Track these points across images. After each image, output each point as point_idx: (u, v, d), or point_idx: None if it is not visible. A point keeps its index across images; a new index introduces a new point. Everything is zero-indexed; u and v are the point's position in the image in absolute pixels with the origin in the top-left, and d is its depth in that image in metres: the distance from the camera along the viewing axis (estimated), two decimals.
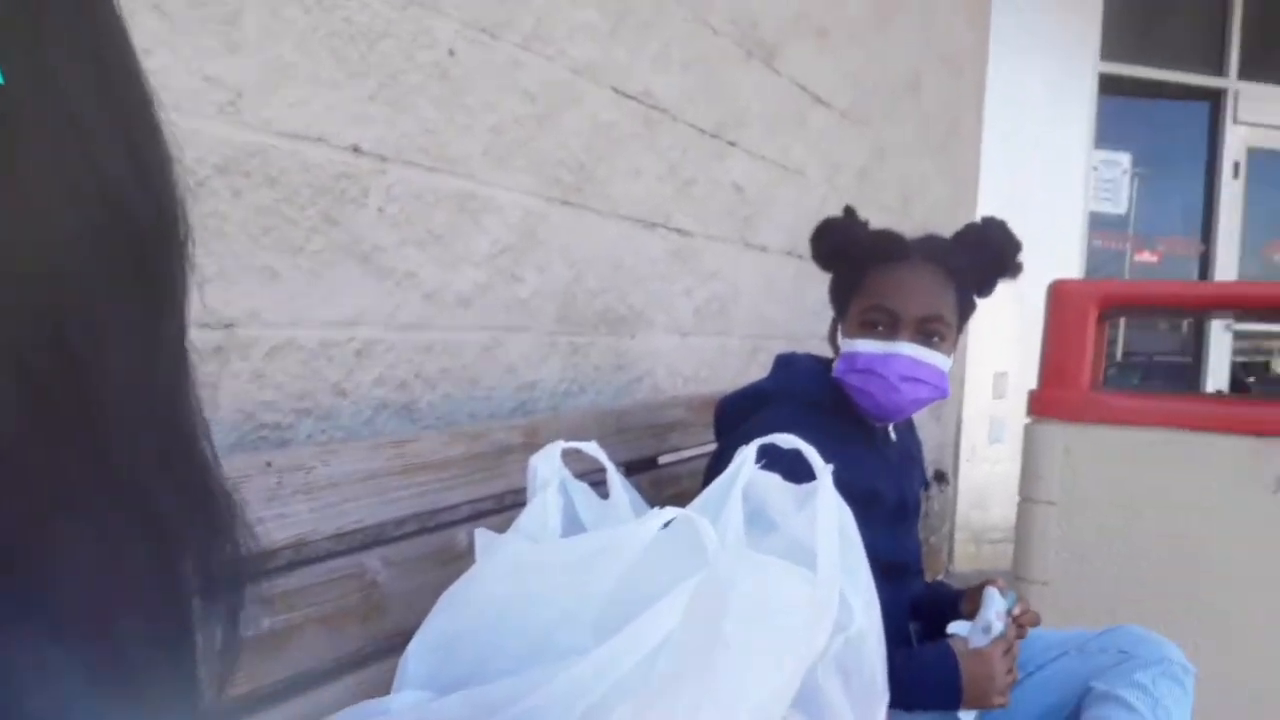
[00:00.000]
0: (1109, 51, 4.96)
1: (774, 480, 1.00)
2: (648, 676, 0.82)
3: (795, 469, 0.99)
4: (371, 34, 1.29)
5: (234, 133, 1.12)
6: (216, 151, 1.10)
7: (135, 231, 0.35)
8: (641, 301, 1.91)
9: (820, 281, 2.69)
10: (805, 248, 2.61)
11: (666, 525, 0.88)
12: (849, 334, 1.43)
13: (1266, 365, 5.96)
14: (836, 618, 0.85)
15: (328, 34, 1.23)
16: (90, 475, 0.33)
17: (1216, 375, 5.27)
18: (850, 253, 1.48)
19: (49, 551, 0.32)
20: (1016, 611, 1.39)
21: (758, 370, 2.36)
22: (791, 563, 0.87)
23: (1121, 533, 2.02)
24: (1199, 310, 3.46)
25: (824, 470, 0.92)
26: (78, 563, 0.32)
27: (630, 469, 1.45)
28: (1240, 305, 2.44)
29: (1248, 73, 5.42)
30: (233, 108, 1.12)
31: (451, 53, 1.43)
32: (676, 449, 1.61)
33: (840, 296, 1.50)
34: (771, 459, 1.00)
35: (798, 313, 2.54)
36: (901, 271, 1.41)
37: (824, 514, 0.88)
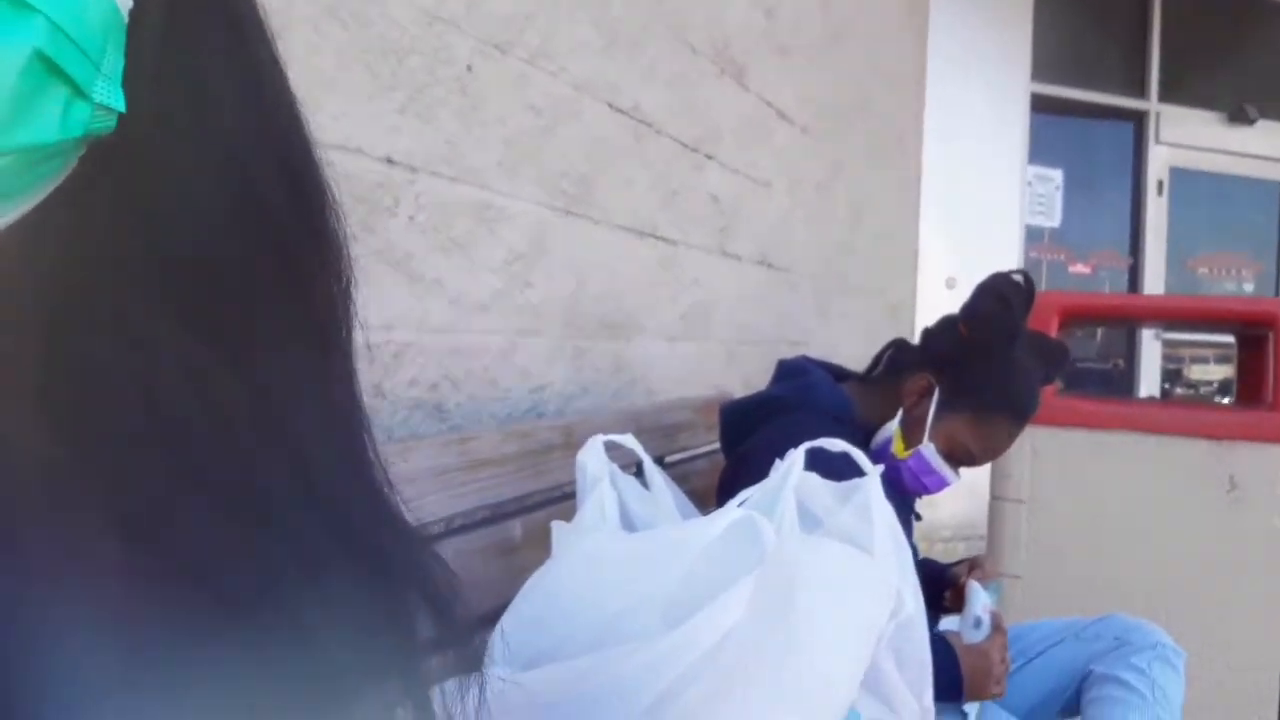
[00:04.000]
0: (1040, 73, 5.20)
1: (814, 479, 1.07)
2: (718, 661, 0.88)
3: (832, 472, 1.05)
4: (401, 49, 1.34)
5: None
6: None
7: (287, 251, 0.36)
8: (635, 308, 1.98)
9: (788, 289, 2.77)
10: (773, 256, 2.72)
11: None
12: (940, 443, 1.41)
13: (1178, 372, 6.28)
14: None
15: (363, 49, 1.27)
16: (288, 491, 0.34)
17: (1149, 381, 5.55)
18: (1021, 382, 1.42)
19: (248, 563, 0.33)
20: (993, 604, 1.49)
21: (735, 373, 2.44)
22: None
23: (1088, 529, 2.15)
24: (1153, 321, 3.66)
25: (874, 470, 0.99)
26: (276, 575, 0.33)
27: None
28: (1196, 318, 2.59)
29: (1167, 96, 5.73)
30: None
31: (469, 68, 1.48)
32: (684, 449, 1.68)
33: (967, 388, 1.41)
34: (808, 460, 1.06)
35: (769, 318, 2.63)
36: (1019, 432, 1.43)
37: (876, 504, 0.96)
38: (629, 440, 1.16)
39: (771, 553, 0.90)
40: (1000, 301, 1.38)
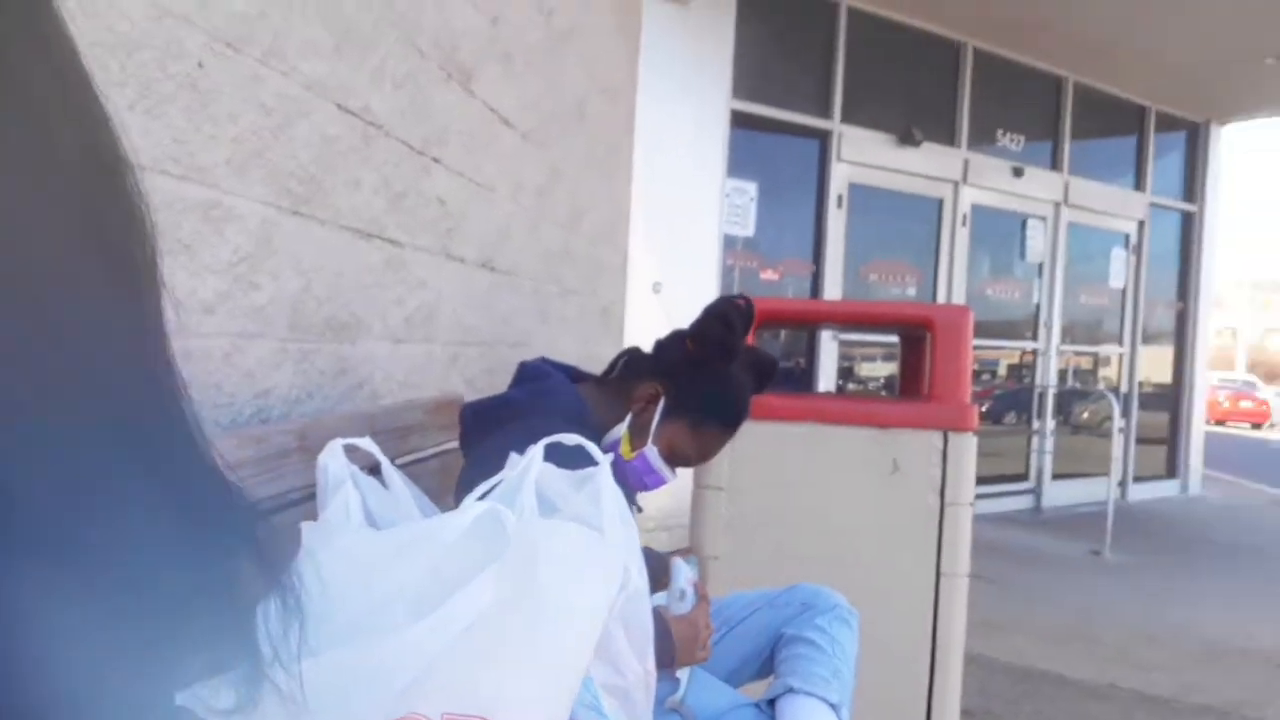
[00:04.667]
0: (739, 91, 5.62)
1: (551, 469, 1.17)
2: (469, 643, 0.96)
3: (567, 463, 1.16)
4: (130, 43, 1.30)
5: None
6: None
7: (98, 217, 0.37)
8: (361, 309, 1.99)
9: (510, 291, 2.86)
10: (497, 260, 2.80)
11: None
12: (662, 446, 1.54)
13: (851, 369, 7.02)
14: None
15: (91, 43, 1.23)
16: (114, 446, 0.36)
17: (827, 377, 6.15)
18: (735, 397, 1.57)
19: (83, 517, 0.34)
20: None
21: (457, 375, 2.50)
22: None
23: (777, 511, 2.42)
24: (833, 323, 4.09)
25: (604, 459, 1.11)
26: (112, 526, 0.35)
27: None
28: (869, 321, 2.94)
29: (848, 117, 6.38)
30: None
31: (200, 64, 1.45)
32: (416, 450, 1.72)
33: (689, 398, 1.54)
34: (547, 455, 1.16)
35: (492, 321, 2.71)
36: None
37: (605, 490, 1.08)
38: (366, 442, 1.21)
39: (514, 538, 0.99)
40: (724, 324, 1.55)
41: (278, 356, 1.71)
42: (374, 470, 1.27)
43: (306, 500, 1.22)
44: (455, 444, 1.73)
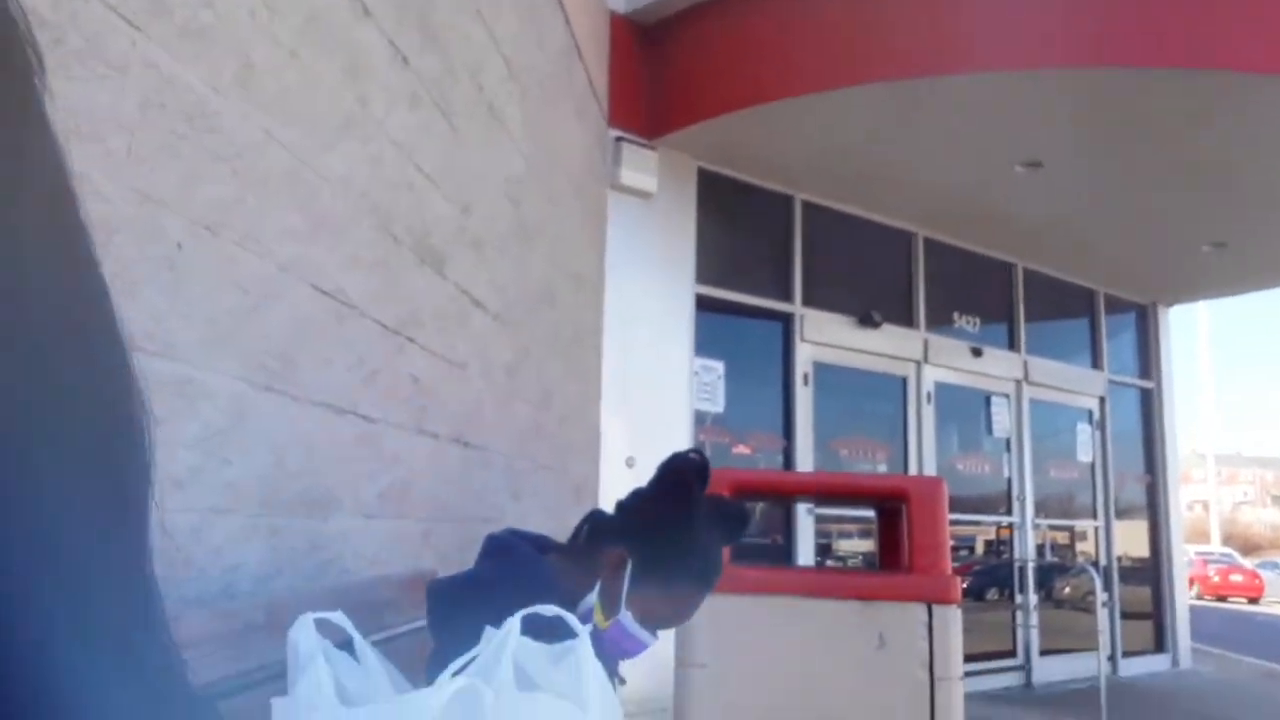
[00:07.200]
0: (703, 276, 5.83)
1: (528, 643, 1.14)
2: None
3: (544, 637, 1.13)
4: (109, 226, 1.35)
5: None
6: None
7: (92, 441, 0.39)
8: (333, 484, 1.99)
9: (482, 467, 2.86)
10: (470, 435, 2.81)
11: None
12: (636, 610, 1.48)
13: (828, 546, 6.95)
14: None
15: None
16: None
17: (805, 553, 6.08)
18: (703, 552, 1.52)
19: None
20: None
21: (430, 551, 2.47)
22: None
23: (763, 687, 2.34)
24: (808, 495, 4.08)
25: (584, 630, 1.09)
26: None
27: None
28: (845, 493, 2.95)
29: (809, 300, 6.59)
30: None
31: (179, 246, 1.51)
32: (388, 626, 1.68)
33: (656, 559, 1.50)
34: (524, 628, 1.14)
35: (465, 496, 2.70)
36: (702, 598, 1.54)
37: (586, 662, 1.06)
38: (339, 617, 1.18)
39: (492, 715, 0.96)
40: (678, 480, 1.55)
41: (248, 532, 1.69)
42: (346, 646, 1.23)
43: (273, 679, 1.18)
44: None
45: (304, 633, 1.13)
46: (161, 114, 1.42)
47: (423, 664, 1.52)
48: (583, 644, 1.08)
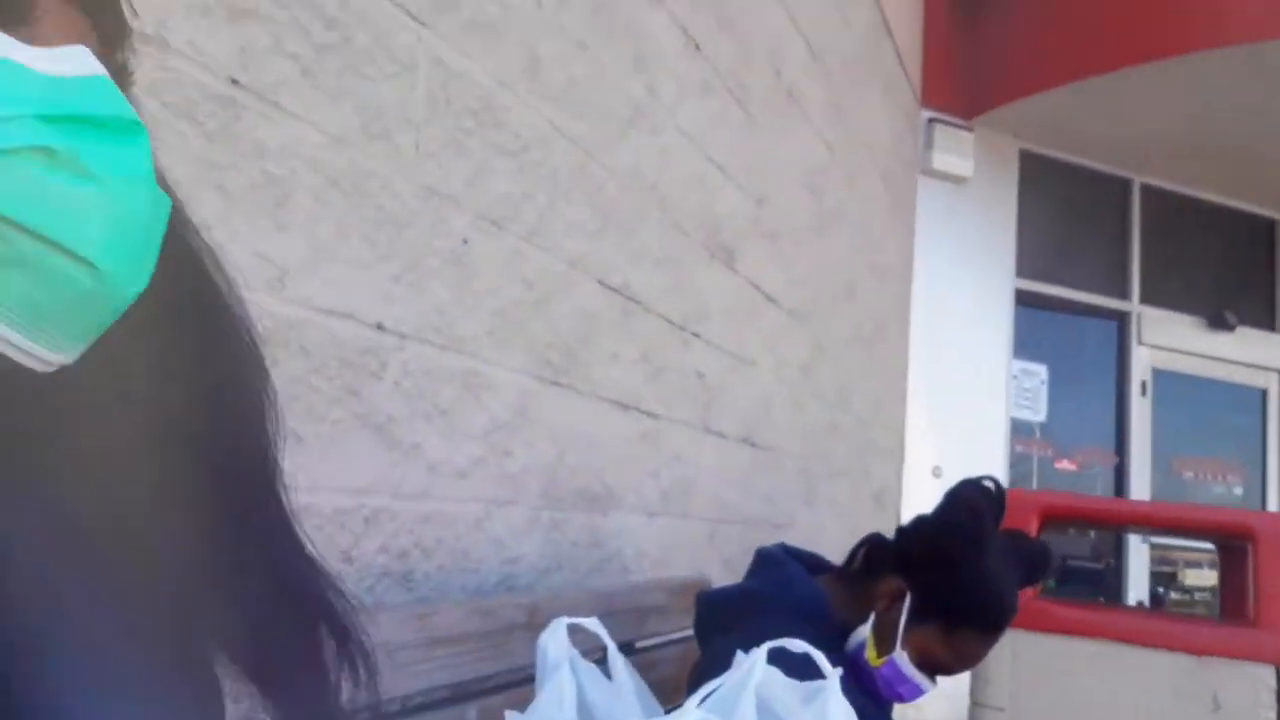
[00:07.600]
0: (1024, 269, 5.38)
1: (777, 676, 1.03)
2: None
3: (796, 670, 1.02)
4: (399, 221, 1.38)
5: (279, 307, 1.18)
6: (261, 324, 1.15)
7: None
8: (614, 481, 1.97)
9: (772, 470, 2.76)
10: (757, 435, 2.73)
11: None
12: (912, 650, 1.36)
13: (1173, 576, 6.18)
14: None
15: (361, 219, 1.32)
16: None
17: (1137, 585, 5.46)
18: (993, 596, 1.36)
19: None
20: None
21: (715, 553, 2.41)
22: None
23: None
24: (1134, 526, 3.63)
25: (833, 673, 0.97)
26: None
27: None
28: (1175, 526, 2.58)
29: (1148, 298, 5.91)
30: (279, 283, 1.18)
31: (465, 241, 1.53)
32: (655, 633, 1.64)
33: (938, 598, 1.36)
34: (773, 658, 1.03)
35: (751, 498, 2.62)
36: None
37: (834, 707, 0.94)
38: (593, 623, 1.14)
39: None
40: (969, 511, 1.37)
41: (528, 525, 1.70)
42: (604, 655, 1.19)
43: (528, 681, 1.16)
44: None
45: (554, 639, 1.09)
46: (448, 109, 1.45)
47: (685, 675, 1.46)
48: (831, 686, 0.96)
